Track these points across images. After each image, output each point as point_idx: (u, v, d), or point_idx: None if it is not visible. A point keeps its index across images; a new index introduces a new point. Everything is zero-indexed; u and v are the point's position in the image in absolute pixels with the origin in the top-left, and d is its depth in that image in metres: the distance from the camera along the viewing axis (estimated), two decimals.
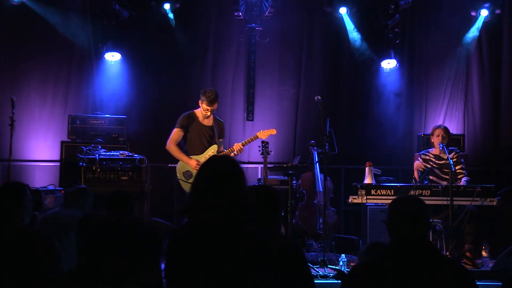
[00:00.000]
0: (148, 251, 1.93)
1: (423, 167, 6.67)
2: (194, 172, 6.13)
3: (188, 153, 6.23)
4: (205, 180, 2.49)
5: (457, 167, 6.55)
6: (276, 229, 3.09)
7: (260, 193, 3.00)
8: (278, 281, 2.44)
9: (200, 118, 6.31)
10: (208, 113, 6.27)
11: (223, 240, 2.36)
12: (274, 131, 6.54)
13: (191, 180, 6.09)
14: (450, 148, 6.62)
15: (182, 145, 6.29)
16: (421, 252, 2.56)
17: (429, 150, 6.76)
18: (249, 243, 2.39)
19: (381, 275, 2.52)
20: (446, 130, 6.64)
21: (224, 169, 2.51)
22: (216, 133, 6.32)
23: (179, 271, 2.35)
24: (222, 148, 6.38)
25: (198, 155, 6.22)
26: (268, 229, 2.91)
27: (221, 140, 6.39)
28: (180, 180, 6.17)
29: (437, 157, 6.64)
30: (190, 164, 6.14)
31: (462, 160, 6.69)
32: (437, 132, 6.57)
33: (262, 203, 2.93)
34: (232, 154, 6.18)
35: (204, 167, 2.56)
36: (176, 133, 6.26)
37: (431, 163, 6.65)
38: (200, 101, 6.28)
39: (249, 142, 6.38)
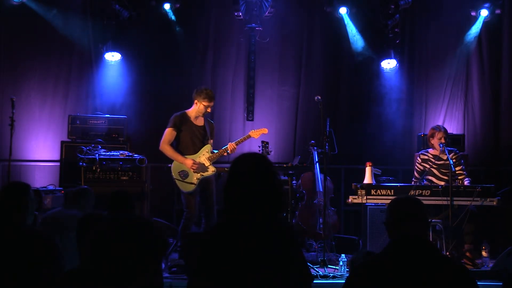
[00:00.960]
0: (151, 251, 1.93)
1: (421, 168, 6.68)
2: (191, 171, 6.12)
3: (181, 153, 6.19)
4: (244, 179, 2.49)
5: (457, 168, 6.55)
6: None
7: None
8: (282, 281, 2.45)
9: (192, 118, 6.28)
10: (209, 110, 6.25)
11: (263, 238, 2.37)
12: (266, 131, 6.52)
13: (187, 180, 6.09)
14: (449, 148, 6.63)
15: (174, 145, 6.26)
16: (421, 252, 2.56)
17: (428, 150, 6.76)
18: (284, 241, 2.41)
19: (381, 275, 2.52)
20: (446, 132, 6.63)
21: (260, 167, 2.52)
22: (208, 133, 6.30)
23: (219, 271, 2.35)
24: (212, 149, 6.36)
25: (192, 154, 6.20)
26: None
27: (211, 141, 6.37)
28: (176, 180, 6.15)
29: (436, 157, 6.64)
30: (186, 163, 6.12)
31: (462, 161, 6.69)
32: (439, 135, 6.55)
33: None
34: (225, 154, 6.19)
35: (238, 166, 2.55)
36: (169, 133, 6.21)
37: (430, 163, 6.65)
38: (196, 101, 6.20)
39: (242, 141, 6.36)
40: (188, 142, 6.23)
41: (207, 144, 6.28)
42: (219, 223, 2.47)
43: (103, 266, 1.89)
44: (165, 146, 6.18)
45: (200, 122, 6.30)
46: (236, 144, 6.26)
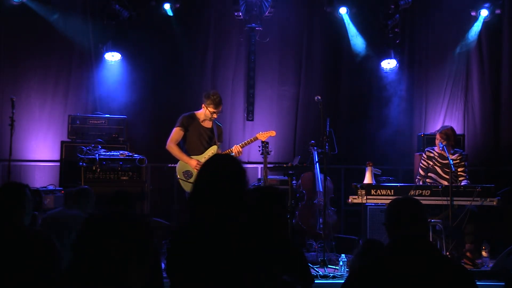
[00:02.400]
0: (147, 250, 1.93)
1: (426, 165, 6.69)
2: (195, 171, 6.12)
3: (188, 153, 6.22)
4: (208, 178, 2.48)
5: (459, 169, 6.56)
6: (284, 231, 3.08)
7: (268, 195, 3.00)
8: (279, 281, 2.44)
9: (201, 120, 6.31)
10: (215, 116, 6.25)
11: (223, 238, 2.36)
12: (273, 133, 6.54)
13: (191, 180, 6.09)
14: (456, 149, 6.65)
15: (181, 145, 6.29)
16: (421, 252, 2.56)
17: (434, 148, 6.76)
18: (247, 242, 2.38)
19: (381, 275, 2.52)
20: (443, 134, 6.53)
21: (228, 167, 2.51)
22: (215, 136, 6.32)
23: (181, 269, 2.35)
24: (220, 151, 6.38)
25: (198, 155, 6.22)
26: (273, 231, 2.90)
27: (219, 143, 6.39)
28: (180, 180, 6.17)
29: (441, 156, 6.65)
30: (190, 163, 6.14)
31: (466, 164, 6.69)
32: (436, 136, 6.59)
33: (269, 205, 2.93)
34: None
35: (207, 165, 2.55)
36: (176, 133, 6.25)
37: (434, 161, 6.67)
38: (204, 105, 6.25)
39: (248, 143, 6.37)
40: (194, 143, 6.26)
41: (214, 144, 6.29)
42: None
43: (102, 265, 1.89)
44: (171, 145, 6.22)
45: (208, 124, 6.32)
46: (242, 147, 6.27)
